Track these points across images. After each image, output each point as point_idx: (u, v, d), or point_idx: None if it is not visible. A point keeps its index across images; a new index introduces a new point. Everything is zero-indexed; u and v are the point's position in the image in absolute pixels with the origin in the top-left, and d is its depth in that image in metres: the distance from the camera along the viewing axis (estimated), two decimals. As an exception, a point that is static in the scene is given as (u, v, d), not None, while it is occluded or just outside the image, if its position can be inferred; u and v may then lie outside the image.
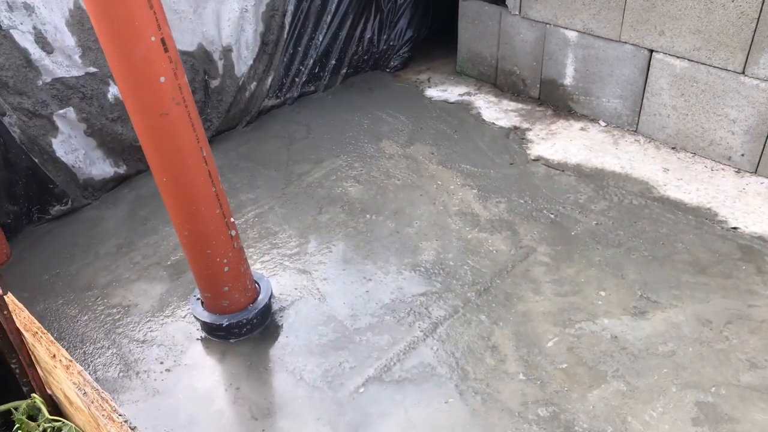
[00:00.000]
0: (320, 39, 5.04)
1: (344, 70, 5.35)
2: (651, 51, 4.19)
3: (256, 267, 3.61)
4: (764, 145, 3.92)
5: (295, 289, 3.47)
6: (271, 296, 3.29)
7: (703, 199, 3.90)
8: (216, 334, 3.19)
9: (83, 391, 2.05)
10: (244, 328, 3.17)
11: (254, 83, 4.80)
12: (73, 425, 2.36)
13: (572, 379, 2.91)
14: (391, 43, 5.45)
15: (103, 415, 1.98)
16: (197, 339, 3.23)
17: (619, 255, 3.54)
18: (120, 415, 1.97)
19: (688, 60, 4.03)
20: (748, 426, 2.66)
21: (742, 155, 4.04)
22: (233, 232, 2.98)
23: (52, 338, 2.26)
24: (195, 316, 3.18)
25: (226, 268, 3.00)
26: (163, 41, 2.42)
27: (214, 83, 4.60)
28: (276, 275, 3.56)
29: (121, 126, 4.17)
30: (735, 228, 3.67)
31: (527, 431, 2.69)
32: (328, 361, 3.07)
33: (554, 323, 3.18)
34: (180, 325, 3.31)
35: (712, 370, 2.90)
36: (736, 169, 4.10)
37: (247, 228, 3.91)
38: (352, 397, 2.89)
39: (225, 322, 3.12)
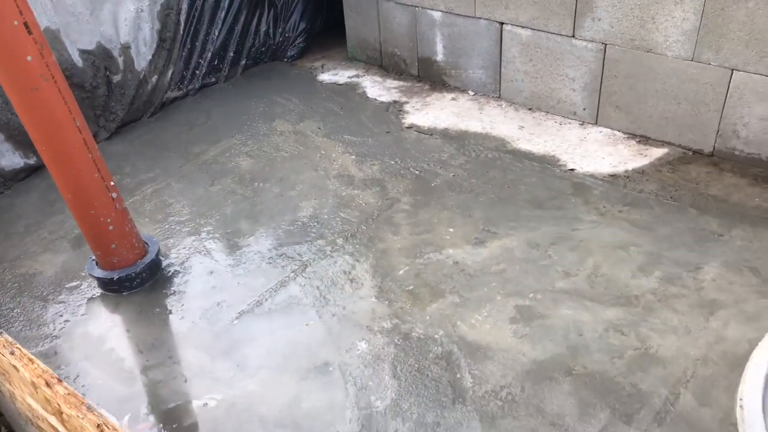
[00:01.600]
0: (216, 34, 5.49)
1: (243, 62, 5.81)
2: (501, 23, 4.74)
3: (150, 232, 4.02)
4: (599, 99, 4.49)
5: (185, 248, 3.90)
6: (159, 253, 3.71)
7: (549, 148, 4.45)
8: (109, 288, 3.59)
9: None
10: (134, 281, 3.58)
11: (155, 77, 5.23)
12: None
13: (415, 297, 3.39)
14: (286, 35, 5.92)
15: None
16: (94, 296, 3.63)
17: (469, 199, 4.06)
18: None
19: (531, 29, 4.58)
20: (555, 320, 3.17)
21: (584, 109, 4.61)
22: (114, 195, 3.40)
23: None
24: (90, 274, 3.59)
25: (110, 227, 3.42)
26: (26, 24, 2.84)
27: (116, 78, 5.00)
28: (168, 239, 3.99)
29: (27, 120, 4.54)
30: (572, 169, 4.22)
31: (371, 340, 3.17)
32: (209, 302, 3.51)
33: (407, 256, 3.67)
34: (79, 285, 3.71)
35: (533, 281, 3.41)
36: (581, 122, 4.67)
37: (144, 202, 4.33)
38: (226, 328, 3.33)
39: (116, 276, 3.53)
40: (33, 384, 2.10)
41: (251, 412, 2.90)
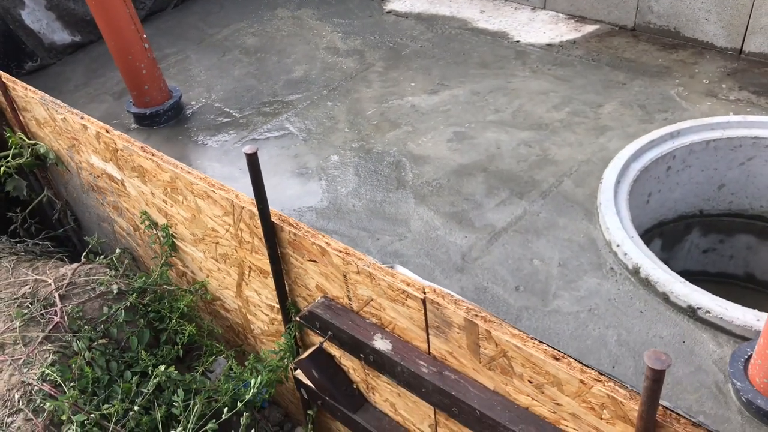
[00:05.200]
0: (228, -64, 6.35)
1: (253, -36, 6.68)
2: None
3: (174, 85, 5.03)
4: (546, -15, 5.33)
5: (203, 98, 4.91)
6: (181, 98, 4.73)
7: (502, 26, 5.33)
8: (143, 123, 4.63)
9: (43, 99, 3.48)
10: (162, 118, 4.61)
11: (177, -27, 6.15)
12: (43, 144, 3.81)
13: (378, 128, 4.37)
14: (290, -59, 6.76)
15: (53, 108, 3.41)
16: (131, 128, 4.67)
17: (431, 63, 4.98)
18: (61, 107, 3.40)
19: (492, -75, 5.39)
20: (481, 140, 4.13)
21: (535, -5, 5.45)
22: (146, 45, 4.39)
23: (23, 84, 3.67)
24: (128, 111, 4.62)
25: (144, 71, 4.42)
26: None
27: (144, -28, 5.94)
28: (189, 92, 4.99)
29: (73, 3, 5.54)
30: (517, 41, 5.11)
31: (342, 154, 4.17)
32: (220, 134, 4.52)
33: (375, 102, 4.63)
34: (120, 123, 4.74)
35: (470, 116, 4.36)
36: (532, 7, 5.52)
37: (169, 68, 5.32)
38: (233, 148, 4.36)
39: (148, 112, 4.56)
40: (97, 135, 3.13)
41: (250, 197, 3.94)
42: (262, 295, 2.87)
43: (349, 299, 2.35)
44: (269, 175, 4.07)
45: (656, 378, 1.53)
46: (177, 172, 2.77)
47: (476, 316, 1.94)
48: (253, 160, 2.21)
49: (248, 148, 2.20)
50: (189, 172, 2.75)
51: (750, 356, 2.58)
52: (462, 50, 5.09)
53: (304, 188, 3.95)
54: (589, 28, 5.13)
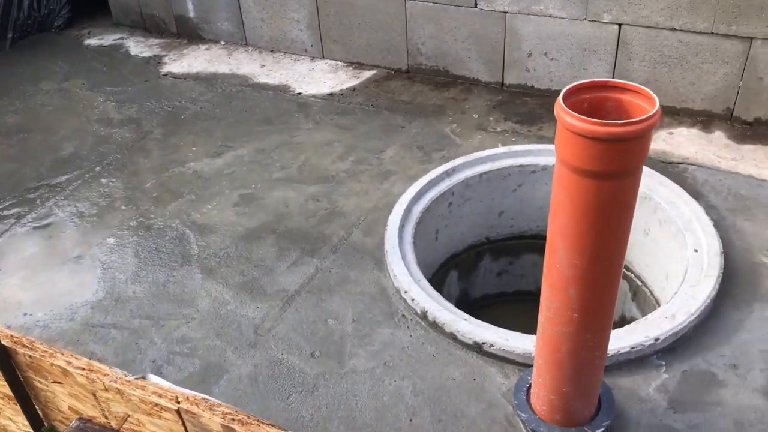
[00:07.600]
0: (-26, 7, 5.77)
1: (10, 35, 6.11)
2: (235, -21, 5.50)
3: None
4: (320, 36, 5.41)
5: (-49, 192, 4.32)
6: (-77, 196, 4.12)
7: (283, 80, 5.31)
8: None
9: None
10: None
11: None
12: None
13: (159, 200, 4.10)
14: (51, 8, 6.29)
15: None
16: None
17: (212, 124, 4.81)
18: None
19: (258, -19, 5.39)
20: (269, 200, 4.02)
21: (312, 46, 5.51)
22: None
23: None
24: None
25: None
26: None
27: None
28: (-65, 187, 4.38)
29: None
30: (299, 93, 5.11)
31: (119, 235, 3.84)
32: (-24, 231, 3.99)
33: (155, 172, 4.36)
34: None
35: (256, 176, 4.25)
36: (311, 57, 5.58)
37: None
38: (-9, 246, 3.86)
39: None
40: None
41: (12, 300, 3.48)
42: (17, 422, 2.50)
43: (106, 418, 2.10)
44: (35, 273, 3.64)
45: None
46: None
47: (233, 420, 1.79)
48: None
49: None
50: None
51: (530, 385, 2.68)
52: (244, 107, 4.98)
53: (77, 281, 3.56)
54: (367, 74, 5.27)
